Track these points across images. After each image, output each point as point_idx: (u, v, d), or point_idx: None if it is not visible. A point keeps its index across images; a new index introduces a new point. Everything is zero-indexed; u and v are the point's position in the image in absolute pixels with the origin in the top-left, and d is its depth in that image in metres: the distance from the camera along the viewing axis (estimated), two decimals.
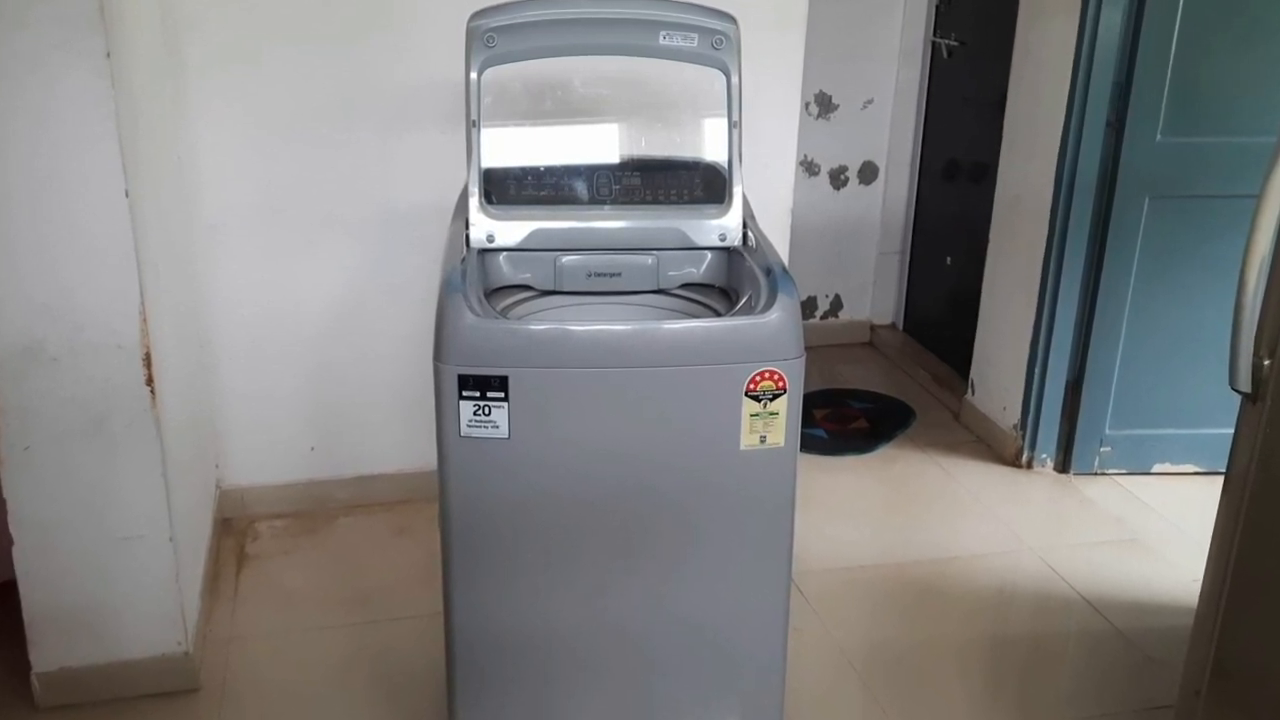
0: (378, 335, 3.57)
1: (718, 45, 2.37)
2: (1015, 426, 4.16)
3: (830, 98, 5.06)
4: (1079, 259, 3.85)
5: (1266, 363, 2.08)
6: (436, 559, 2.30)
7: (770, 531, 2.30)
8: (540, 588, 2.28)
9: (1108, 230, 3.77)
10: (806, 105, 4.99)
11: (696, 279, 2.51)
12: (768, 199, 3.49)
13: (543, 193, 2.48)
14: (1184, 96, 3.62)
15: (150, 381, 2.55)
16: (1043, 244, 3.91)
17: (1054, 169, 3.82)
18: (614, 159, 2.55)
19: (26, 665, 2.72)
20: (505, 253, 2.45)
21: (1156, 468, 4.06)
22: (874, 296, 5.49)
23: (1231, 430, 2.23)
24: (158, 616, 2.76)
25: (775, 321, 2.14)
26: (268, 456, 3.65)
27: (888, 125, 5.20)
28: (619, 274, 2.48)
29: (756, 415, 2.16)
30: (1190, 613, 2.40)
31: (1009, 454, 4.20)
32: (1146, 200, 3.73)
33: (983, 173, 4.56)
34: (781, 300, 2.16)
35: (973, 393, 4.48)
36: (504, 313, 2.37)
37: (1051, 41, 3.82)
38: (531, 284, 2.48)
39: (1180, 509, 3.82)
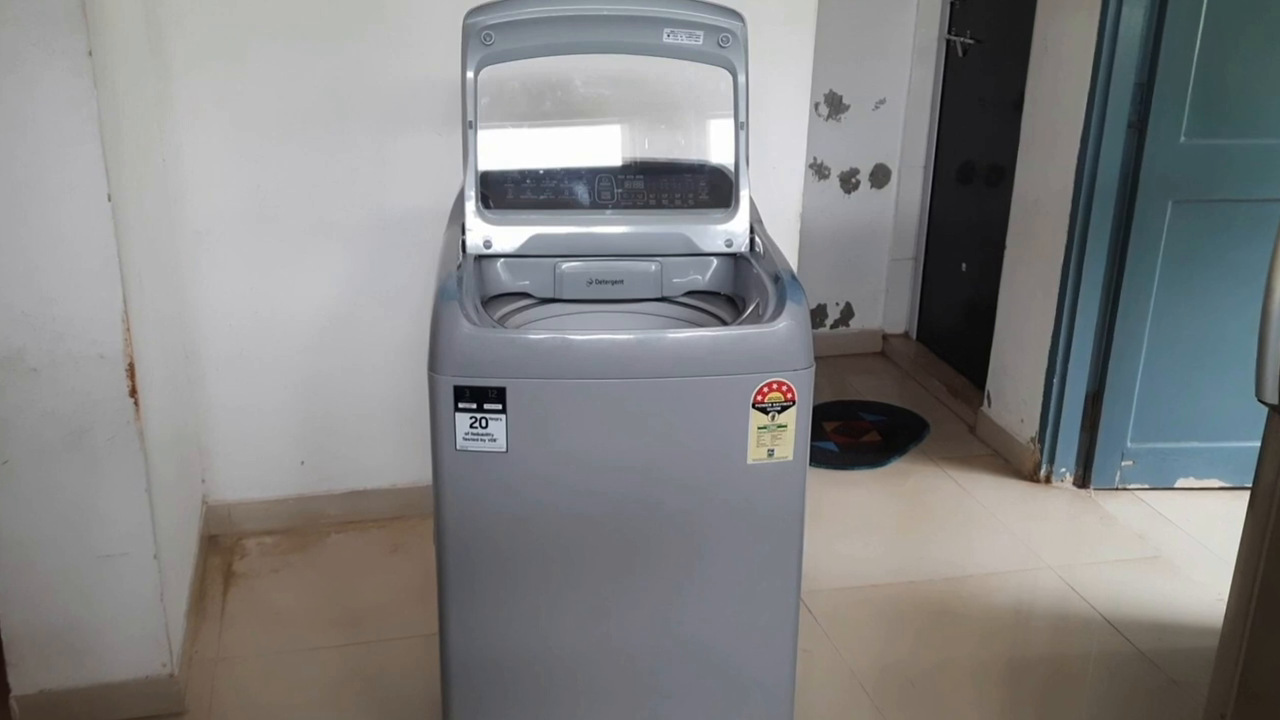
0: (370, 345, 3.57)
1: (724, 43, 2.38)
2: (1033, 439, 4.16)
3: (841, 98, 5.07)
4: (1099, 265, 3.84)
5: None
6: (431, 578, 2.30)
7: (778, 549, 2.30)
8: (539, 608, 2.28)
9: (1129, 235, 3.76)
10: (816, 106, 4.99)
11: (702, 286, 2.52)
12: (776, 203, 3.49)
13: (542, 197, 2.48)
14: (1209, 96, 3.62)
15: (134, 393, 2.54)
16: (1062, 250, 3.91)
17: (1073, 172, 3.81)
18: (616, 162, 2.55)
19: (5, 688, 2.72)
20: (503, 259, 2.46)
21: (1180, 482, 4.06)
22: (886, 304, 5.49)
23: (1258, 444, 2.23)
24: (141, 637, 2.76)
25: (784, 330, 2.14)
26: (256, 471, 3.65)
27: (901, 126, 5.21)
28: (621, 281, 2.48)
29: (764, 428, 2.16)
30: (1215, 633, 2.40)
31: (1027, 468, 4.20)
32: (1170, 204, 3.73)
33: (999, 175, 4.57)
34: (790, 308, 2.16)
35: (989, 404, 4.48)
36: (501, 321, 2.37)
37: (1071, 39, 3.82)
38: (530, 291, 2.48)
39: (1205, 525, 3.82)
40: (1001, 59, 4.57)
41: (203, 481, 3.62)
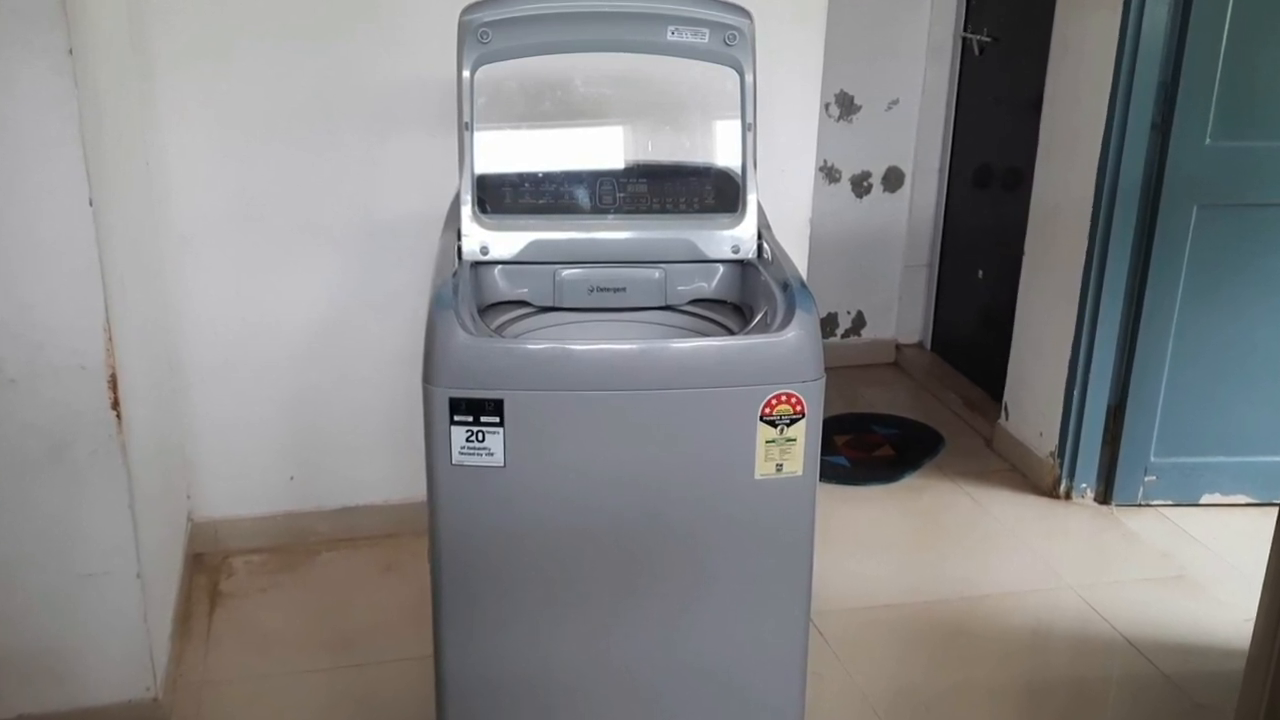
0: (362, 355, 3.57)
1: (730, 41, 2.38)
2: (1052, 454, 4.15)
3: (852, 98, 5.07)
4: (1121, 272, 3.84)
5: None
6: (426, 597, 2.30)
7: (787, 567, 2.29)
8: (538, 628, 2.28)
9: (1153, 241, 3.76)
10: (827, 106, 5.00)
11: (707, 294, 2.52)
12: (784, 208, 3.48)
13: (541, 201, 2.48)
14: (1235, 96, 3.63)
15: (116, 405, 2.55)
16: (1082, 256, 3.91)
17: (1094, 175, 3.81)
18: (618, 164, 2.55)
19: None
20: (500, 266, 2.46)
21: (1205, 498, 4.05)
22: (899, 313, 5.49)
23: None
24: (124, 659, 2.76)
25: (793, 340, 2.14)
26: (243, 486, 3.65)
27: (914, 128, 5.21)
28: (624, 289, 2.48)
29: (772, 442, 2.16)
30: (1242, 655, 2.40)
31: (1046, 483, 4.19)
32: (1195, 209, 3.73)
33: (1017, 179, 4.57)
34: (799, 317, 2.16)
35: (1006, 417, 4.48)
36: (499, 331, 2.37)
37: (1092, 37, 3.82)
38: (529, 300, 2.48)
39: (1231, 543, 3.81)
40: (1019, 58, 4.57)
41: (188, 497, 3.62)
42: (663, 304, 2.50)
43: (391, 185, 3.42)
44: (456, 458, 2.13)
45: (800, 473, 2.20)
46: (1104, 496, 4.10)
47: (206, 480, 3.63)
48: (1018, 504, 4.13)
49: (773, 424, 2.15)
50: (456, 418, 2.10)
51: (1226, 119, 3.64)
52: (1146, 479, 4.03)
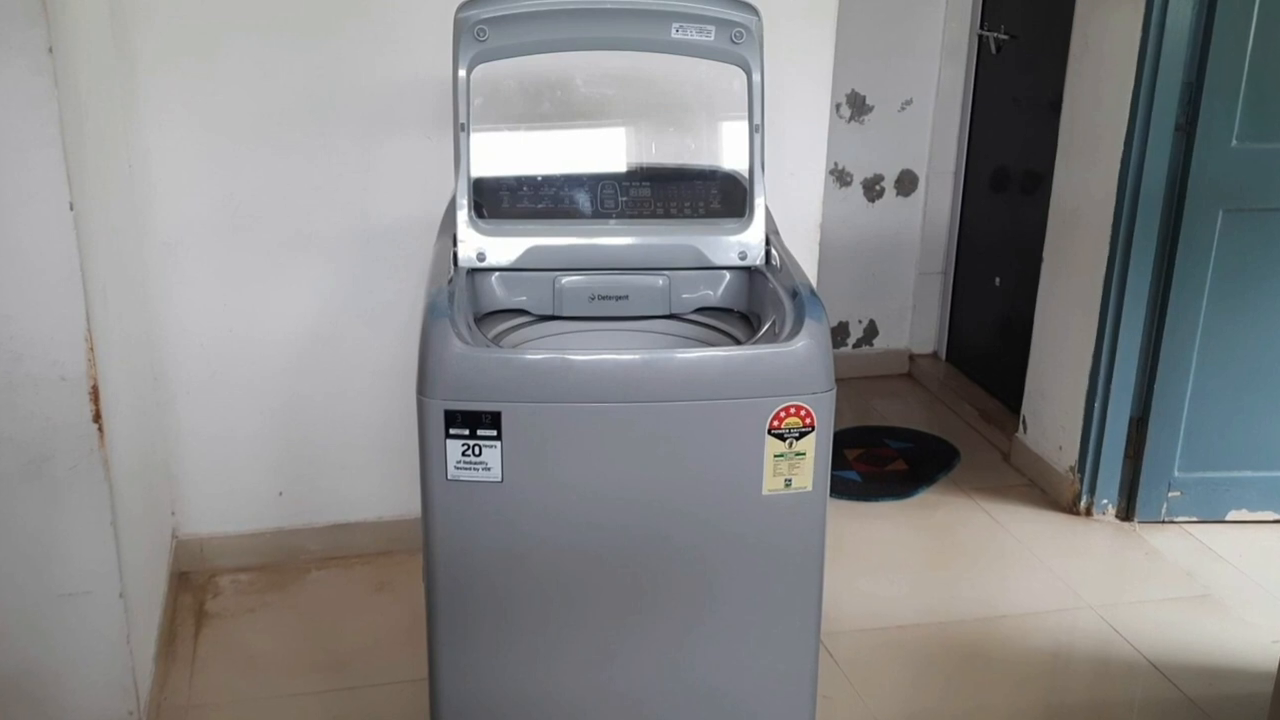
0: (354, 367, 3.57)
1: (737, 39, 2.38)
2: (1072, 468, 4.15)
3: (864, 98, 5.07)
4: (1144, 279, 3.84)
5: None
6: (420, 618, 2.30)
7: (797, 586, 2.29)
8: (537, 650, 2.28)
9: (1176, 247, 3.76)
10: (838, 107, 5.00)
11: (713, 302, 2.52)
12: (793, 212, 3.49)
13: (540, 205, 2.48)
14: (1263, 96, 3.63)
15: (98, 418, 2.54)
16: (1103, 263, 3.90)
17: (1116, 178, 3.81)
18: (620, 167, 2.55)
19: None
20: (498, 273, 2.46)
21: (1232, 515, 4.05)
22: (913, 322, 5.49)
23: None
24: (106, 682, 2.75)
25: (802, 350, 2.14)
26: (230, 503, 3.64)
27: (928, 129, 5.21)
28: (626, 297, 2.48)
29: (781, 456, 2.16)
30: (1269, 678, 2.40)
31: (1065, 499, 4.19)
32: (1220, 213, 3.72)
33: (1036, 182, 4.57)
34: (809, 326, 2.15)
35: (1024, 430, 4.47)
36: (496, 340, 2.37)
37: (1113, 35, 3.82)
38: (527, 308, 2.48)
39: (1258, 561, 3.81)
40: (1038, 56, 4.57)
41: (172, 514, 3.61)
42: (667, 312, 2.50)
43: (384, 189, 3.41)
44: (452, 473, 2.13)
45: (810, 488, 2.20)
46: (1126, 513, 4.10)
47: (192, 496, 3.62)
48: (1036, 521, 4.12)
49: (781, 437, 2.15)
50: (452, 431, 2.10)
51: (1253, 120, 3.64)
52: (1170, 495, 4.02)
